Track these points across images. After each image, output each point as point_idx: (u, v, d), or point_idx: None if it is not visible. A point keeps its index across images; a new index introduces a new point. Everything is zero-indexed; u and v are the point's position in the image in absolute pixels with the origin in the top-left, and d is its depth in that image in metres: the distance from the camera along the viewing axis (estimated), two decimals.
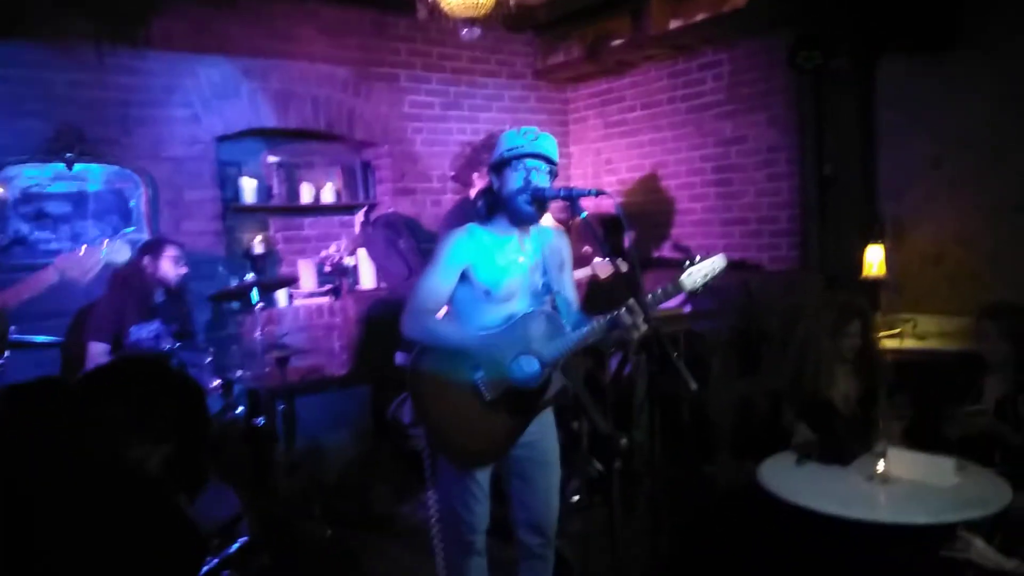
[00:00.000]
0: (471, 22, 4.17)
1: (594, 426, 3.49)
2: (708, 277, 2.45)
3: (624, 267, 4.18)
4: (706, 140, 5.17)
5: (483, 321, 2.46)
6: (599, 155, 5.90)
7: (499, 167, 2.44)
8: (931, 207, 4.25)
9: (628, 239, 4.74)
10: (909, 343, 4.09)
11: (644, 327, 2.31)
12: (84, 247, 2.74)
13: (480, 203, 2.51)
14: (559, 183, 2.52)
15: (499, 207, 2.48)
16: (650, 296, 2.37)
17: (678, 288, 2.42)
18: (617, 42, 5.32)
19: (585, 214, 2.36)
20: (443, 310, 2.55)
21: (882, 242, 4.21)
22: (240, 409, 3.61)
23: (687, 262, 2.51)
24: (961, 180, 4.13)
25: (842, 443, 3.13)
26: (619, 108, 5.74)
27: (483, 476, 2.50)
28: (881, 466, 2.88)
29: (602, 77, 5.78)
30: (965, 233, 4.13)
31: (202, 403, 1.73)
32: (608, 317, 2.36)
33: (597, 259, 4.14)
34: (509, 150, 2.41)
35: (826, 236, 4.53)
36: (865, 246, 4.29)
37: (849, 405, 3.46)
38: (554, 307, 2.53)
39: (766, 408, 3.84)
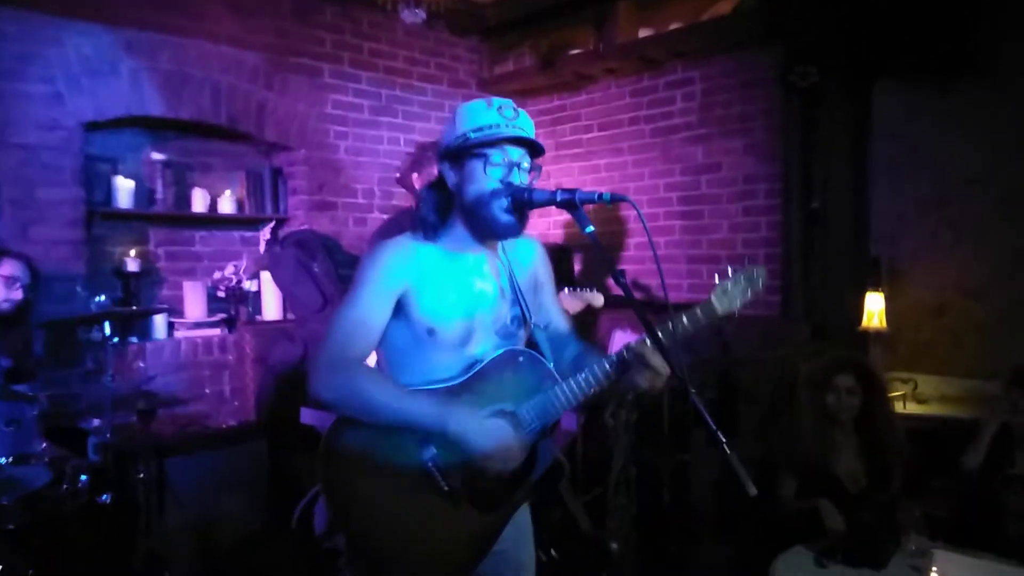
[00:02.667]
0: (415, 2, 3.43)
1: (571, 517, 2.75)
2: (748, 295, 1.80)
3: (598, 301, 3.52)
4: (673, 167, 4.58)
5: (427, 373, 1.70)
6: (548, 179, 5.21)
7: (459, 155, 1.67)
8: (932, 252, 3.76)
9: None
10: (911, 408, 3.55)
11: (667, 372, 1.61)
12: None
13: (424, 206, 1.74)
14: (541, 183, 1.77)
15: (456, 212, 1.72)
16: (676, 326, 1.68)
17: (709, 312, 1.74)
18: (575, 52, 4.70)
19: (592, 228, 1.63)
20: (372, 358, 1.76)
21: (882, 289, 3.66)
22: (82, 479, 2.66)
23: (716, 276, 1.82)
24: (967, 223, 3.66)
25: (873, 539, 2.49)
26: (573, 128, 5.10)
27: None
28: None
29: (555, 92, 5.14)
30: (971, 283, 3.65)
31: None
32: (618, 355, 1.67)
33: (564, 292, 3.42)
34: (478, 131, 1.65)
35: (812, 280, 3.96)
36: (857, 293, 3.76)
37: (857, 485, 2.86)
38: (532, 345, 1.80)
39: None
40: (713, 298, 1.75)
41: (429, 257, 1.70)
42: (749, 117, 4.21)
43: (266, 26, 4.23)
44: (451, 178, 1.70)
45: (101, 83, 3.66)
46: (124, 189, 3.91)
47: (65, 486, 2.59)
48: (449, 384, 1.68)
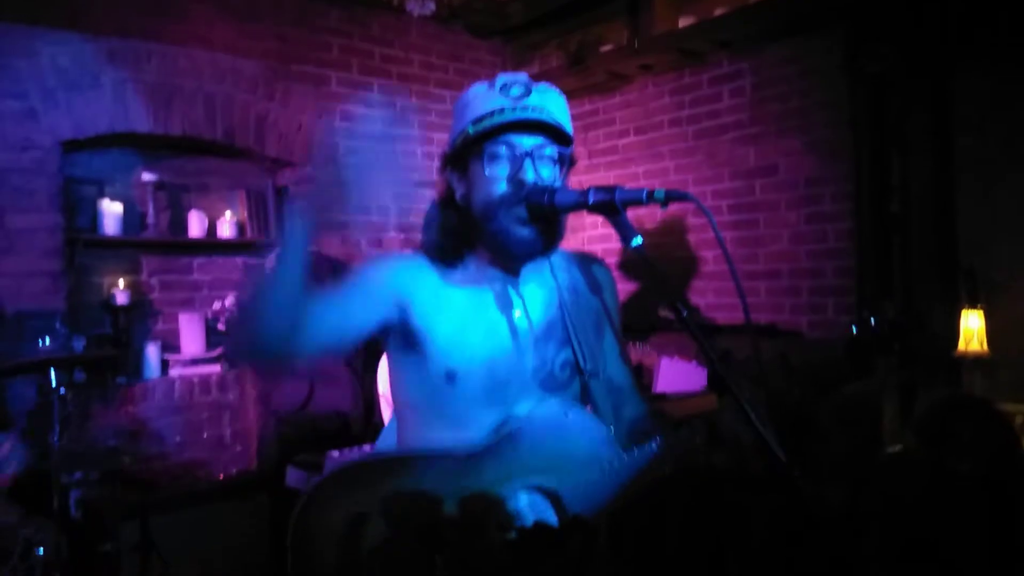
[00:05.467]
0: None
1: None
2: None
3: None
4: (721, 171, 4.07)
5: (451, 434, 1.30)
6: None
7: (461, 157, 1.32)
8: None
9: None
10: None
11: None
12: None
13: (439, 229, 1.37)
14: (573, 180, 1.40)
15: (468, 234, 1.34)
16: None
17: None
18: (607, 48, 4.25)
19: (640, 240, 1.20)
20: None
21: (981, 307, 3.10)
22: (38, 552, 2.25)
23: None
24: None
25: None
26: (607, 133, 4.63)
27: None
28: None
29: (586, 95, 4.68)
30: None
31: None
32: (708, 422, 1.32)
33: None
34: (477, 121, 1.29)
35: (891, 297, 3.41)
36: (946, 311, 3.21)
37: (976, 564, 2.31)
38: (590, 401, 1.38)
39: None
40: None
41: (442, 284, 1.33)
42: (809, 111, 3.69)
43: (265, 31, 3.86)
44: (459, 189, 1.34)
45: (80, 97, 3.31)
46: (111, 214, 3.54)
47: (12, 563, 2.18)
48: (472, 449, 1.26)
